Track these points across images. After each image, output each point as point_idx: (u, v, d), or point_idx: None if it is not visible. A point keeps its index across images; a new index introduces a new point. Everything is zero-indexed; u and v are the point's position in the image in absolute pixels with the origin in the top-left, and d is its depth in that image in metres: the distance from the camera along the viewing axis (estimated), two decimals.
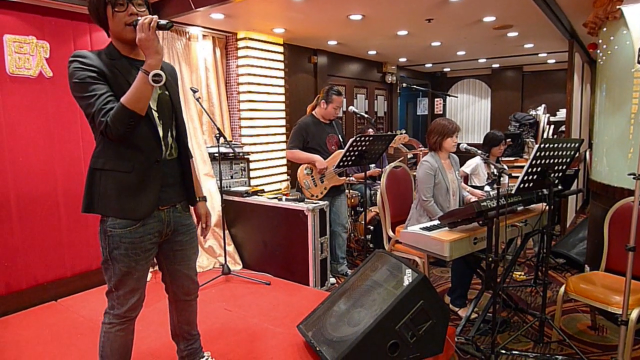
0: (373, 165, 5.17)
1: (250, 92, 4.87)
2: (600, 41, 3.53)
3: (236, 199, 4.24)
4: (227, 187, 4.47)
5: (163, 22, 1.69)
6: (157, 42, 1.67)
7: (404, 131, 4.87)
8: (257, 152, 4.99)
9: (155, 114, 1.86)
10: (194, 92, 3.73)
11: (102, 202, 1.81)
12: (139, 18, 1.70)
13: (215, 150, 4.20)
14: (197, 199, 2.17)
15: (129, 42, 1.79)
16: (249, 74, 4.84)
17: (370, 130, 5.22)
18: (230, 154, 4.52)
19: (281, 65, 5.27)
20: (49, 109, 3.46)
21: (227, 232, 4.21)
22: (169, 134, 1.93)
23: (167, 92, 1.93)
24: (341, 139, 4.08)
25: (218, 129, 3.71)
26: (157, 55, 1.67)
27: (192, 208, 2.16)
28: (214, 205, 4.34)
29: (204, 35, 4.64)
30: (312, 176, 3.88)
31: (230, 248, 4.29)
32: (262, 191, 4.39)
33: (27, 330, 3.01)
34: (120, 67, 1.78)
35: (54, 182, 3.49)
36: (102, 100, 1.69)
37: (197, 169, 4.23)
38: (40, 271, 3.45)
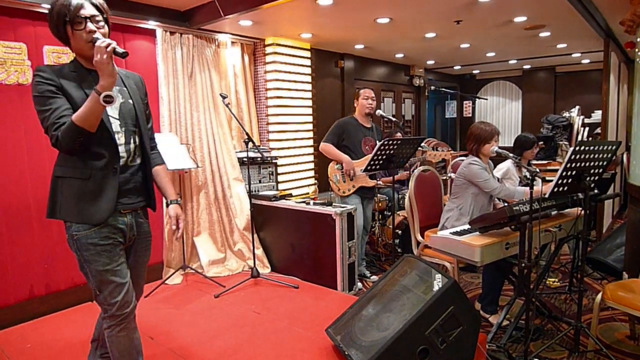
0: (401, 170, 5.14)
1: (278, 97, 4.92)
2: (638, 40, 3.41)
3: (264, 203, 4.28)
4: (255, 191, 4.52)
5: (120, 50, 1.74)
6: (111, 65, 1.72)
7: (448, 148, 4.82)
8: (284, 157, 5.04)
9: (117, 122, 1.92)
10: (223, 98, 3.80)
11: (63, 208, 1.88)
12: (97, 36, 1.76)
13: (244, 155, 4.26)
14: (169, 202, 2.22)
15: (91, 58, 1.81)
16: (277, 80, 4.89)
17: (399, 134, 5.19)
18: (259, 159, 4.58)
19: (308, 70, 5.31)
20: None
21: (255, 235, 4.25)
22: (132, 141, 1.97)
23: (130, 101, 1.99)
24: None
25: (247, 134, 3.76)
26: (110, 78, 1.71)
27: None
28: (242, 209, 4.40)
29: (232, 42, 4.72)
30: (342, 172, 3.93)
31: (259, 251, 4.33)
32: (290, 195, 4.42)
33: (66, 329, 3.12)
34: (83, 80, 1.84)
35: None
36: (56, 114, 1.75)
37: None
38: (78, 272, 3.51)
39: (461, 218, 3.24)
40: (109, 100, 1.69)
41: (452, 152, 6.98)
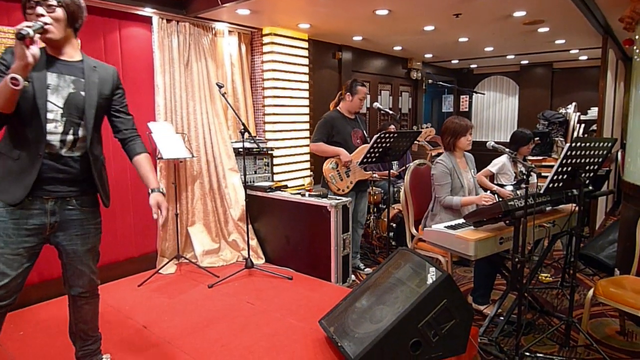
0: (396, 163, 5.14)
1: (274, 87, 4.89)
2: (637, 37, 3.41)
3: (259, 193, 4.27)
4: (250, 182, 4.50)
5: (21, 34, 1.66)
6: (20, 48, 1.66)
7: (430, 125, 4.79)
8: (280, 148, 5.02)
9: (59, 111, 1.91)
10: (220, 87, 3.78)
11: None
12: (44, 19, 1.78)
13: (239, 145, 4.24)
14: (150, 191, 2.16)
15: (46, 42, 1.84)
16: (274, 70, 4.86)
17: (392, 126, 5.18)
18: (255, 149, 4.56)
19: (306, 61, 5.27)
20: None
21: (250, 226, 4.25)
22: (72, 132, 1.95)
23: (82, 93, 1.96)
24: (365, 134, 4.07)
25: (243, 124, 3.74)
26: (19, 62, 1.67)
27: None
28: (237, 199, 4.38)
29: (229, 31, 4.67)
30: (337, 170, 3.89)
31: (254, 242, 4.33)
32: (285, 186, 4.41)
33: (58, 317, 3.11)
34: (40, 65, 1.83)
35: None
36: None
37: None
38: None
39: (434, 218, 3.27)
40: (15, 83, 1.66)
41: None
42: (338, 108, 4.03)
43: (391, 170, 4.87)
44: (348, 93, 3.94)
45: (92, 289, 2.20)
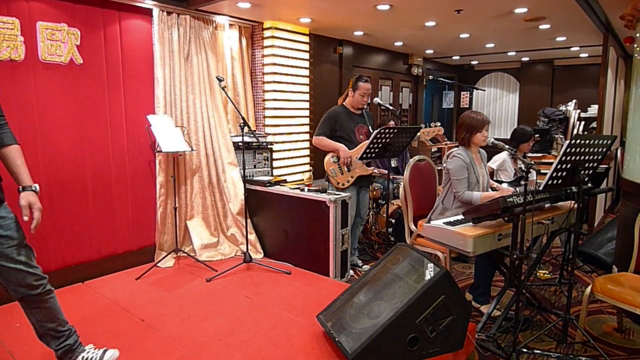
0: (395, 159, 5.13)
1: (275, 82, 4.87)
2: (637, 35, 3.40)
3: (259, 188, 4.27)
4: (250, 176, 4.50)
5: None
6: None
7: (439, 124, 4.74)
8: (280, 142, 5.01)
9: None
10: (220, 80, 3.77)
11: None
12: None
13: (239, 139, 4.23)
14: (20, 189, 1.97)
15: None
16: (274, 64, 4.84)
17: (392, 122, 5.17)
18: (254, 144, 4.55)
19: (306, 56, 5.25)
20: (79, 95, 3.53)
21: (249, 220, 4.24)
22: None
23: None
24: (371, 130, 4.06)
25: (243, 118, 3.73)
26: None
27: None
28: (237, 193, 4.38)
29: (230, 25, 4.65)
30: (338, 164, 3.89)
31: (252, 237, 4.33)
32: (285, 181, 4.41)
33: None
34: None
35: (83, 167, 3.57)
36: None
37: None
38: (69, 253, 3.55)
39: (445, 212, 3.24)
40: None
41: (448, 142, 7.01)
42: (344, 103, 4.03)
43: (382, 169, 4.88)
44: (350, 89, 3.95)
45: (40, 283, 2.02)
